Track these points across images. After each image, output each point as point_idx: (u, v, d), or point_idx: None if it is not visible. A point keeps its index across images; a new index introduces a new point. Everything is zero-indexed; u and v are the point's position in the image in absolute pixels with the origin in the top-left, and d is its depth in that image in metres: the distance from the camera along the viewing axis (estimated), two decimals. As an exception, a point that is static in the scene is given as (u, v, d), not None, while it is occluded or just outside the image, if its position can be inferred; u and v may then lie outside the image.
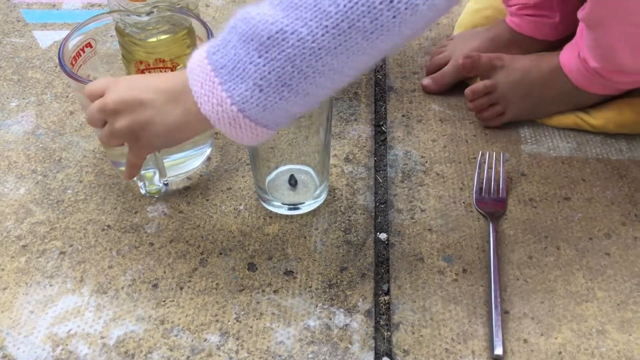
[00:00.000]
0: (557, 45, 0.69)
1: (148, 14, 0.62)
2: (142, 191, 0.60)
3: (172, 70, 0.63)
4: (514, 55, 0.68)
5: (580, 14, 0.58)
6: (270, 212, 0.60)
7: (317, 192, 0.60)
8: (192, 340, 0.50)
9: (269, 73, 0.41)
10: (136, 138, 0.49)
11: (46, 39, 0.85)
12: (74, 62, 0.61)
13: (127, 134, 0.49)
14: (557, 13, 0.70)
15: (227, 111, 0.43)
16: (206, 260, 0.56)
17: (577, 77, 0.64)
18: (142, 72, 0.64)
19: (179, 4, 0.67)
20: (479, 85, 0.67)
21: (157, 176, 0.58)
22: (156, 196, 0.61)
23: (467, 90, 0.67)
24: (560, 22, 0.70)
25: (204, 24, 0.60)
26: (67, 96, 0.75)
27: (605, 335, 0.50)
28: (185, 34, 0.69)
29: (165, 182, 0.59)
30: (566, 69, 0.64)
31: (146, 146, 0.50)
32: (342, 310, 0.52)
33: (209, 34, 0.59)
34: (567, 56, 0.64)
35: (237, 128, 0.44)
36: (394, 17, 0.39)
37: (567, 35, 0.69)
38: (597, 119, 0.66)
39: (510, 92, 0.66)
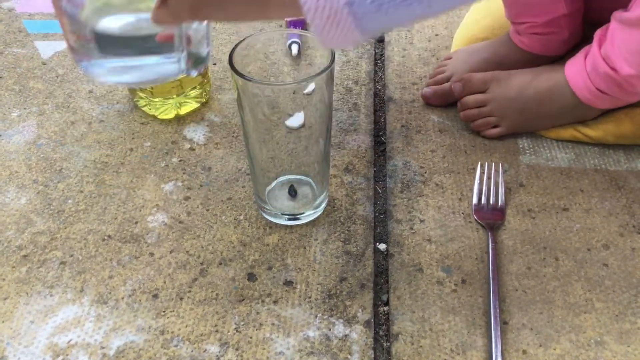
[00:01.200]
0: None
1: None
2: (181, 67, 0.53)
3: None
4: (510, 71, 0.68)
5: (623, 16, 0.56)
6: (270, 222, 0.61)
7: (317, 202, 0.60)
8: (192, 351, 0.50)
9: None
10: None
11: (47, 49, 0.85)
12: None
13: None
14: (565, 30, 0.70)
15: (332, 1, 0.37)
16: (206, 271, 0.56)
17: (584, 92, 0.63)
18: None
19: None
20: (469, 98, 0.68)
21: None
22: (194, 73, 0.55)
23: (458, 103, 0.69)
24: (569, 37, 0.70)
25: None
26: (69, 106, 0.75)
27: (603, 346, 0.50)
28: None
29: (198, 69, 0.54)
30: (573, 84, 0.63)
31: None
32: (341, 320, 0.52)
33: None
34: (574, 72, 0.64)
35: (332, 25, 0.38)
36: None
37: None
38: (596, 130, 0.66)
39: (505, 107, 0.67)
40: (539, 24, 0.70)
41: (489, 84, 0.67)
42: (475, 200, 0.62)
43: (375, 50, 0.85)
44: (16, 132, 0.72)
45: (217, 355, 0.50)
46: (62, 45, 0.86)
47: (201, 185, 0.65)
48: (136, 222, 0.61)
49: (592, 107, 0.65)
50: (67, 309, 0.53)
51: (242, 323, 0.52)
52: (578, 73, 0.63)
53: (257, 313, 0.53)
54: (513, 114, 0.67)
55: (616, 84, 0.60)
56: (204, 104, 0.75)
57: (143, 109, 0.74)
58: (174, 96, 0.72)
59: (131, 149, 0.69)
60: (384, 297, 0.54)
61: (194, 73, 0.55)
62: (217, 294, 0.54)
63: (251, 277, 0.56)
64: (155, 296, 0.54)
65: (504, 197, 0.62)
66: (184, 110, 0.74)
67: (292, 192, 0.60)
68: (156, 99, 0.71)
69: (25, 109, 0.75)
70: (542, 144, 0.68)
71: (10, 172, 0.67)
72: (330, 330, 0.52)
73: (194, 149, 0.69)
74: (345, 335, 0.51)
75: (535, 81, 0.66)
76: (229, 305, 0.53)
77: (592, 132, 0.66)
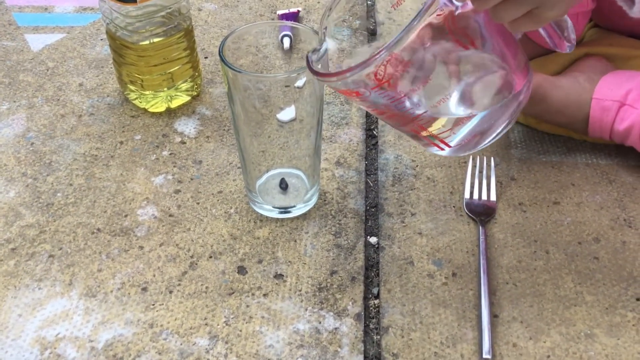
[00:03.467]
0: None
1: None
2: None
3: None
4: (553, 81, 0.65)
5: None
6: (261, 215, 0.60)
7: (308, 195, 0.60)
8: (181, 344, 0.50)
9: None
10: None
11: (37, 42, 0.85)
12: None
13: None
14: (580, 26, 0.68)
15: None
16: (196, 264, 0.56)
17: (594, 128, 0.63)
18: None
19: (170, 8, 0.67)
20: None
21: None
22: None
23: None
24: (578, 35, 0.70)
25: (312, 30, 0.55)
26: (58, 99, 0.75)
27: (593, 339, 0.50)
28: (181, 37, 0.69)
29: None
30: (592, 119, 0.62)
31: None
32: (331, 313, 0.52)
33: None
34: (598, 111, 0.62)
35: None
36: None
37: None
38: None
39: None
40: None
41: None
42: (466, 194, 0.62)
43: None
44: (5, 125, 0.71)
45: (206, 349, 0.50)
46: (52, 38, 0.86)
47: (192, 179, 0.64)
48: (126, 215, 0.61)
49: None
50: (55, 302, 0.53)
51: (231, 316, 0.52)
52: (604, 111, 0.62)
53: (247, 306, 0.53)
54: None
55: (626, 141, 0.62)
56: (195, 97, 0.75)
57: (134, 102, 0.73)
58: (165, 89, 0.71)
59: (121, 142, 0.69)
60: (375, 290, 0.54)
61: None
62: (206, 287, 0.54)
63: (241, 270, 0.56)
64: (145, 289, 0.54)
65: (495, 191, 0.62)
66: (175, 104, 0.73)
67: (283, 186, 0.60)
68: (147, 92, 0.71)
69: (14, 102, 0.75)
70: (534, 137, 0.68)
71: (-1, 165, 0.66)
72: (320, 323, 0.51)
73: (184, 142, 0.69)
74: (336, 328, 0.51)
75: (575, 95, 0.63)
76: (219, 298, 0.53)
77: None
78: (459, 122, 0.48)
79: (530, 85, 0.50)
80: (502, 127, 0.49)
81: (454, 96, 0.47)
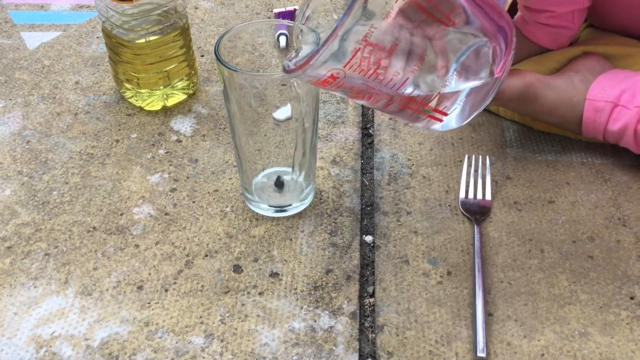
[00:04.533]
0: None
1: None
2: None
3: None
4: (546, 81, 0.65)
5: None
6: (257, 214, 0.60)
7: (304, 194, 0.60)
8: (177, 342, 0.50)
9: None
10: None
11: (34, 40, 0.85)
12: None
13: None
14: (576, 25, 0.68)
15: None
16: (192, 262, 0.56)
17: (587, 128, 0.63)
18: None
19: (166, 6, 0.67)
20: None
21: None
22: None
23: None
24: (574, 34, 0.70)
25: (313, 30, 0.53)
26: (54, 97, 0.75)
27: (587, 337, 0.50)
28: (177, 35, 0.69)
29: None
30: (585, 120, 0.63)
31: None
32: (327, 312, 0.52)
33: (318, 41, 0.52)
34: (591, 112, 0.62)
35: None
36: None
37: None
38: None
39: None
40: (557, 15, 0.67)
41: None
42: (461, 193, 0.62)
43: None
44: (1, 123, 0.71)
45: (201, 347, 0.50)
46: (48, 36, 0.86)
47: (188, 177, 0.65)
48: (122, 214, 0.61)
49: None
50: (51, 300, 0.53)
51: (227, 315, 0.52)
52: (597, 112, 0.62)
53: (243, 305, 0.53)
54: (518, 100, 0.64)
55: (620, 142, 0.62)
56: (191, 96, 0.75)
57: (130, 100, 0.73)
58: (161, 87, 0.71)
59: (117, 141, 0.69)
60: (370, 289, 0.54)
61: None
62: (202, 286, 0.54)
63: (237, 269, 0.56)
64: (140, 288, 0.54)
65: (490, 190, 0.62)
66: (171, 102, 0.73)
67: (279, 184, 0.60)
68: (143, 90, 0.71)
69: (10, 100, 0.75)
70: (529, 136, 0.68)
71: (-6, 163, 0.66)
72: (315, 321, 0.52)
73: (180, 141, 0.69)
74: (331, 327, 0.51)
75: (567, 98, 0.63)
76: (215, 297, 0.53)
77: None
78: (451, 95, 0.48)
79: (514, 41, 0.51)
80: (492, 93, 0.50)
81: (442, 74, 0.48)
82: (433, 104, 0.49)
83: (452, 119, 0.51)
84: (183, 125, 0.71)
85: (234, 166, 0.66)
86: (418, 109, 0.49)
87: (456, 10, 0.46)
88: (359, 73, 0.44)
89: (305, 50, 0.50)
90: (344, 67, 0.43)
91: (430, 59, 0.47)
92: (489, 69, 0.49)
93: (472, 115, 0.52)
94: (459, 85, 0.49)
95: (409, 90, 0.47)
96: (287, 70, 0.45)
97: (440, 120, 0.51)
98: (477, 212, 0.60)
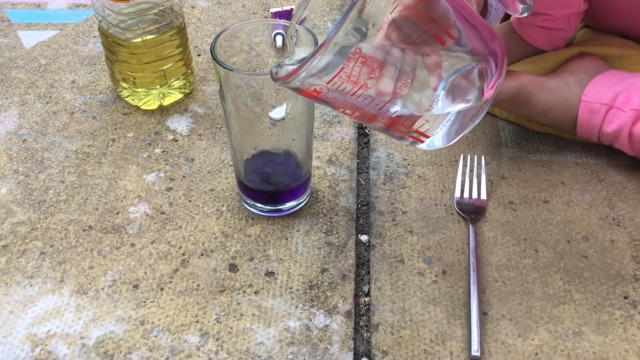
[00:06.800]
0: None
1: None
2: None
3: None
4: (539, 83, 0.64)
5: None
6: (252, 213, 0.61)
7: (301, 194, 0.60)
8: (172, 341, 0.50)
9: None
10: None
11: (30, 39, 0.85)
12: None
13: None
14: (572, 28, 0.68)
15: None
16: (187, 261, 0.56)
17: (582, 130, 0.63)
18: None
19: (162, 6, 0.67)
20: None
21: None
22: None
23: None
24: (571, 36, 0.70)
25: (310, 31, 0.53)
26: (51, 96, 0.75)
27: (581, 337, 0.51)
28: (174, 34, 0.69)
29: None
30: (580, 121, 0.63)
31: None
32: (322, 311, 0.52)
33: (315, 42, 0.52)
34: (586, 114, 0.62)
35: None
36: None
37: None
38: None
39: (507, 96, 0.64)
40: (553, 18, 0.67)
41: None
42: (457, 193, 0.62)
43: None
44: (-3, 122, 0.71)
45: (197, 346, 0.50)
46: (44, 35, 0.86)
47: (184, 176, 0.65)
48: (117, 213, 0.61)
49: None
50: (46, 299, 0.53)
51: (222, 313, 0.52)
52: (592, 114, 0.62)
53: (238, 304, 0.53)
54: (510, 101, 0.64)
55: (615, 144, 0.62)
56: (187, 95, 0.75)
57: (126, 99, 0.73)
58: (158, 87, 0.71)
59: (113, 140, 0.69)
60: (365, 288, 0.55)
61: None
62: (198, 285, 0.54)
63: (232, 267, 0.56)
64: (136, 287, 0.54)
65: (485, 190, 0.62)
66: (167, 101, 0.73)
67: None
68: (139, 90, 0.71)
69: (7, 98, 0.75)
70: (524, 136, 0.69)
71: (-10, 162, 0.66)
72: (310, 320, 0.52)
73: (177, 140, 0.69)
74: (326, 326, 0.51)
75: (559, 100, 0.64)
76: (210, 295, 0.53)
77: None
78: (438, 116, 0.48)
79: (505, 64, 0.50)
80: (480, 115, 0.49)
81: (429, 93, 0.47)
82: (417, 126, 0.48)
83: (439, 139, 0.50)
84: (179, 124, 0.71)
85: (230, 165, 0.66)
86: (402, 129, 0.48)
87: (450, 25, 0.45)
88: (342, 90, 0.43)
89: (299, 54, 0.50)
90: (327, 83, 0.42)
91: (419, 79, 0.46)
92: (478, 91, 0.48)
93: (459, 137, 0.50)
94: (446, 108, 0.48)
95: (393, 109, 0.46)
96: (272, 78, 0.45)
97: (422, 142, 0.50)
98: (472, 212, 0.60)
